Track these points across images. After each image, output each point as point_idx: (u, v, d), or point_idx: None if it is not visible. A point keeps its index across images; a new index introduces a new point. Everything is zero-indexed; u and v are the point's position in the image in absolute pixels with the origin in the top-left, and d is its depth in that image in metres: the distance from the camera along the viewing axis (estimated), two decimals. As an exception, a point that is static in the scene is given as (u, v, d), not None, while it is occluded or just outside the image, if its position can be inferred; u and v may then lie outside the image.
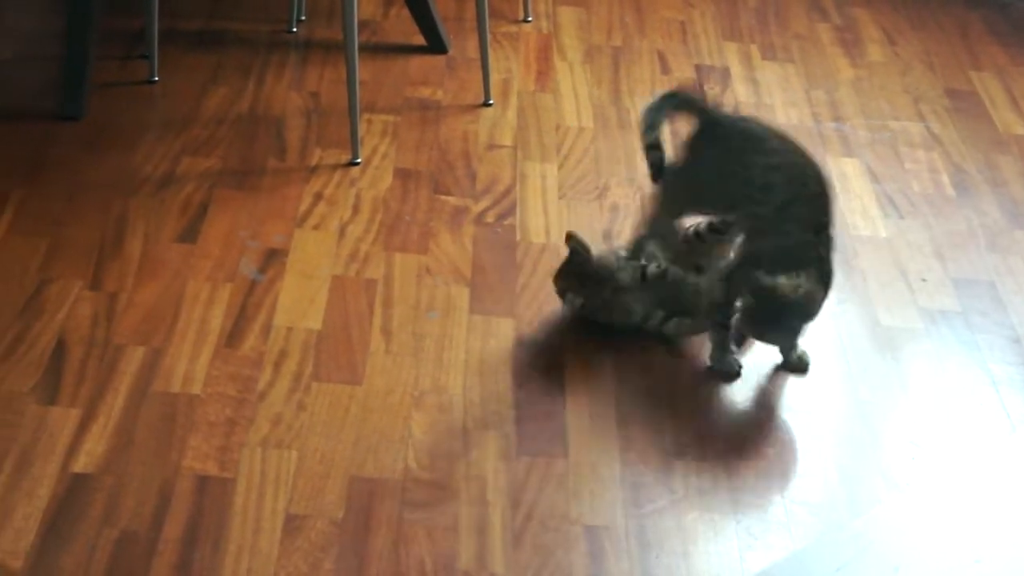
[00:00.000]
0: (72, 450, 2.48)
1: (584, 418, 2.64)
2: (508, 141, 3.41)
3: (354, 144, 3.28)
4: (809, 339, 2.83)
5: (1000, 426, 2.70)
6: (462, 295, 2.91)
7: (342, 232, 3.06)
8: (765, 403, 2.71)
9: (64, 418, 2.54)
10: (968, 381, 2.80)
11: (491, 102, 3.54)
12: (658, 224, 2.82)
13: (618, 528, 2.42)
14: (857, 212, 3.25)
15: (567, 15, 3.94)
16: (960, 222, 3.25)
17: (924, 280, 3.06)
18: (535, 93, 3.61)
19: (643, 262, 2.79)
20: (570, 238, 2.81)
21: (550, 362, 2.76)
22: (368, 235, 3.06)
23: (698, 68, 3.76)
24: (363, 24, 3.76)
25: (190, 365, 2.68)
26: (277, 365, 2.70)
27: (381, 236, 3.06)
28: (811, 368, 2.78)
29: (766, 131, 2.75)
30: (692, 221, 2.81)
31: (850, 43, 3.93)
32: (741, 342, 2.76)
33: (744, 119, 2.84)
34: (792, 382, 2.75)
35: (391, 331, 2.80)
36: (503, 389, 2.70)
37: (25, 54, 3.61)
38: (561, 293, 2.83)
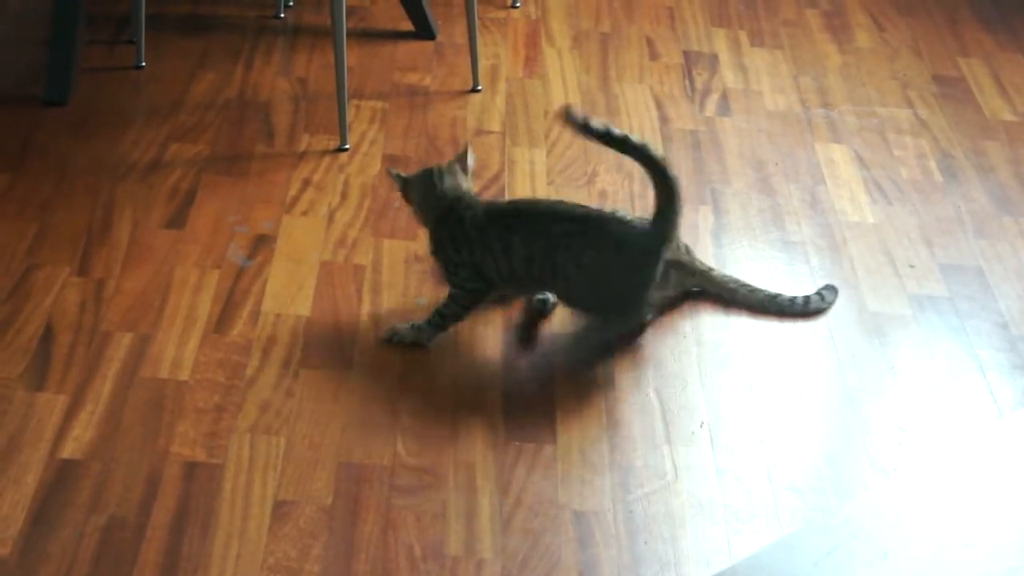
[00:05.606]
0: (60, 436, 2.48)
1: (572, 403, 2.64)
2: (496, 127, 3.41)
3: (342, 130, 3.27)
4: (798, 325, 2.84)
5: (987, 411, 2.70)
6: (450, 281, 2.90)
7: (330, 218, 3.05)
8: (752, 389, 2.71)
9: (52, 404, 2.54)
10: (955, 367, 2.81)
11: (479, 88, 3.53)
12: None
13: (606, 513, 2.43)
14: (845, 198, 3.25)
15: (555, 0, 3.93)
16: (948, 208, 3.25)
17: (912, 266, 3.06)
18: (523, 79, 3.60)
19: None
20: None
21: (538, 348, 2.76)
22: (356, 221, 3.05)
23: (686, 54, 3.76)
24: (351, 10, 3.75)
25: (178, 351, 2.67)
26: (266, 351, 2.69)
27: (369, 222, 3.05)
28: (797, 353, 2.79)
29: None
30: None
31: (838, 29, 3.93)
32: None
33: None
34: (780, 367, 2.76)
35: (379, 317, 2.80)
36: (491, 375, 2.69)
37: (10, 38, 3.60)
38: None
